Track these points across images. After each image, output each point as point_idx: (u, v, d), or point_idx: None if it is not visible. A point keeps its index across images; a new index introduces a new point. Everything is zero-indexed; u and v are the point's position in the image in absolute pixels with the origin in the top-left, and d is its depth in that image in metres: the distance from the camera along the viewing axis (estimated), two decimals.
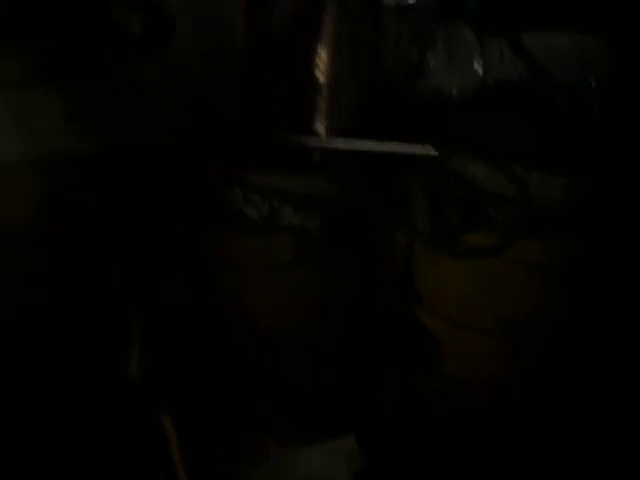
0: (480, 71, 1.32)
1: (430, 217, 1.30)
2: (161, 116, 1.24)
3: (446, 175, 1.30)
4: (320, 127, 1.34)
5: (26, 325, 1.09)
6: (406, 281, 1.37)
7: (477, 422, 1.37)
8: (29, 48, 1.09)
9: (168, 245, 1.28)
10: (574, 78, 1.34)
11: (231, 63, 1.33)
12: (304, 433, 1.17)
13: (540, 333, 1.37)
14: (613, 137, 1.37)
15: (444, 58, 1.33)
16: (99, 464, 1.08)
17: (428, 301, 1.36)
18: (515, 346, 1.36)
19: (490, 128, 1.32)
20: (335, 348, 1.33)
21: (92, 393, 1.07)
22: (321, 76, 1.32)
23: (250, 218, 1.28)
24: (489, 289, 1.32)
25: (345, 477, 1.03)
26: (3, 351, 1.07)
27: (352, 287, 1.36)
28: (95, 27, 1.13)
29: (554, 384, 1.43)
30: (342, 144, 1.32)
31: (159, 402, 1.12)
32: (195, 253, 1.32)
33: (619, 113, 1.37)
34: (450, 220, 1.30)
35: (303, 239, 1.29)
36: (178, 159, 1.28)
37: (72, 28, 1.10)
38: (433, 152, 1.27)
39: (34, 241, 1.11)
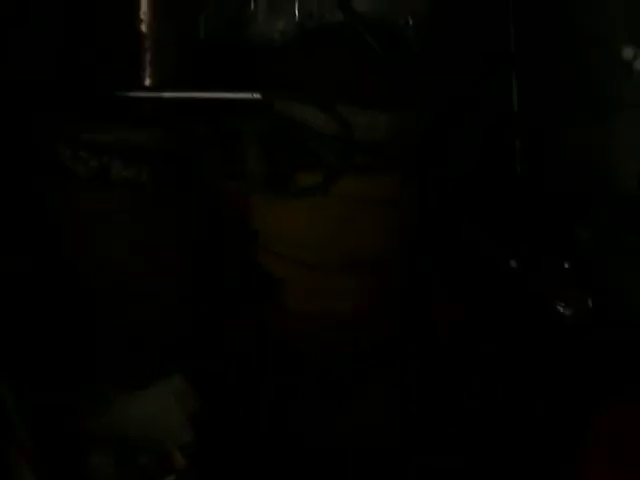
0: (299, 16, 1.34)
1: (261, 161, 1.32)
2: None
3: (275, 119, 1.32)
4: (146, 79, 1.33)
5: None
6: (246, 225, 1.37)
7: (333, 359, 1.40)
8: None
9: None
10: (393, 18, 1.38)
11: (54, 19, 1.31)
12: (147, 380, 1.18)
13: (387, 267, 1.42)
14: (434, 73, 1.42)
15: (265, 3, 1.34)
16: None
17: (270, 243, 1.38)
18: (364, 282, 1.40)
19: (314, 71, 1.35)
20: (179, 293, 1.34)
21: None
22: (143, 28, 1.32)
23: (81, 175, 1.27)
24: (329, 227, 1.36)
25: (177, 416, 1.05)
26: None
27: (192, 235, 1.36)
28: None
29: (409, 317, 1.48)
30: (169, 94, 1.32)
31: None
32: (31, 213, 1.30)
33: (438, 50, 1.42)
34: (281, 163, 1.33)
35: (137, 190, 1.29)
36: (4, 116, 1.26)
37: None
38: (259, 97, 1.29)
39: None
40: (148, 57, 1.31)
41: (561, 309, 1.55)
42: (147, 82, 1.32)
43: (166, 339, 1.27)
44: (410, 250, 1.47)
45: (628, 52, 1.50)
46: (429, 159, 1.49)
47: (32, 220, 1.26)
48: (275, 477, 1.24)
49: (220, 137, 1.34)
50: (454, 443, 1.35)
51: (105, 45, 1.31)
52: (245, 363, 1.33)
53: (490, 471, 1.32)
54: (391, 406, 1.40)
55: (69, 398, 1.09)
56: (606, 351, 1.45)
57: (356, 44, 1.34)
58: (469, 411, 1.40)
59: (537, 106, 1.60)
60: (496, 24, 1.55)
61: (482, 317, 1.51)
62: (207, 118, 1.33)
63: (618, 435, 1.23)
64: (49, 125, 1.28)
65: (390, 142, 1.36)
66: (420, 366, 1.44)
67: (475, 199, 1.59)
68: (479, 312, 1.52)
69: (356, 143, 1.30)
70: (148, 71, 1.32)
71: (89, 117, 1.28)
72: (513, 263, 1.58)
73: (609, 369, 1.41)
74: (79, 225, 1.29)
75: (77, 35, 1.32)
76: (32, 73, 1.25)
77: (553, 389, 1.42)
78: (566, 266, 1.59)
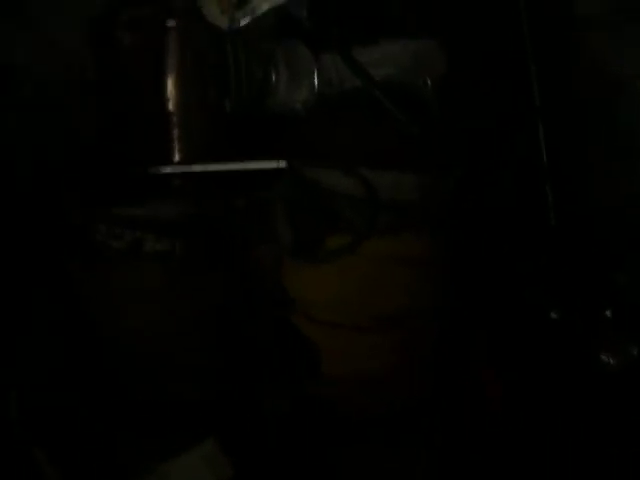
0: (319, 85, 1.38)
1: (290, 228, 1.35)
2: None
3: (301, 185, 1.35)
4: (175, 154, 1.38)
5: None
6: (278, 291, 1.39)
7: (367, 421, 1.39)
8: None
9: (35, 290, 1.31)
10: (411, 80, 1.41)
11: (82, 100, 1.38)
12: (180, 450, 1.19)
13: (422, 326, 1.42)
14: (457, 133, 1.44)
15: (286, 75, 1.38)
16: None
17: (302, 307, 1.39)
18: (396, 341, 1.39)
19: (336, 136, 1.38)
20: (214, 365, 1.35)
21: None
22: (170, 107, 1.37)
23: (115, 250, 1.31)
24: (359, 288, 1.37)
25: None
26: None
27: (226, 304, 1.38)
28: None
29: (447, 376, 1.47)
30: (198, 168, 1.36)
31: (33, 439, 1.14)
32: (64, 293, 1.35)
33: (459, 109, 1.44)
34: (309, 228, 1.35)
35: (170, 263, 1.33)
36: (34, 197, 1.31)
37: None
38: (285, 165, 1.32)
39: None
40: (176, 134, 1.36)
41: (606, 359, 1.51)
42: (176, 158, 1.36)
43: (202, 408, 1.28)
44: (444, 309, 1.46)
45: None
46: (459, 217, 1.48)
47: (64, 299, 1.29)
48: None
49: (249, 206, 1.36)
50: None
51: (134, 125, 1.36)
52: (281, 428, 1.33)
53: None
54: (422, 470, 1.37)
55: (104, 468, 1.10)
56: None
57: (376, 108, 1.37)
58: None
59: (566, 156, 1.59)
60: (519, 78, 1.55)
61: (523, 375, 1.49)
62: (236, 188, 1.36)
63: None
64: (82, 203, 1.32)
65: (416, 202, 1.37)
66: (455, 430, 1.42)
67: (510, 254, 1.59)
68: (519, 369, 1.50)
69: (381, 204, 1.31)
70: (177, 147, 1.36)
71: (121, 194, 1.32)
72: (554, 314, 1.55)
73: None
74: (112, 301, 1.32)
75: (107, 116, 1.37)
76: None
77: (604, 442, 1.39)
78: (608, 314, 1.55)
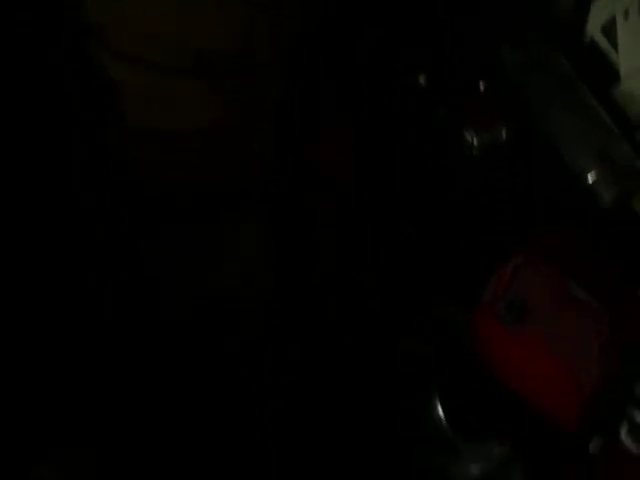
0: None
1: None
2: None
3: None
4: None
5: None
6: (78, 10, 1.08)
7: (188, 186, 1.17)
8: None
9: None
10: None
11: None
12: None
13: (261, 76, 1.16)
14: None
15: None
16: None
17: (107, 34, 1.09)
18: (220, 91, 1.14)
19: None
20: None
21: None
22: None
23: None
24: (177, 12, 1.08)
25: None
26: None
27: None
28: None
29: (286, 137, 1.24)
30: None
31: None
32: None
33: None
34: None
35: None
36: None
37: None
38: None
39: None
40: None
41: (469, 138, 1.33)
42: None
43: None
44: (292, 55, 1.20)
45: None
46: None
47: None
48: None
49: None
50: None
51: None
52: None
53: None
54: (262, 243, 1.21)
55: None
56: (513, 192, 1.27)
57: None
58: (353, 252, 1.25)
59: None
60: None
61: (376, 141, 1.32)
62: None
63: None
64: None
65: None
66: (296, 201, 1.25)
67: None
68: (372, 135, 1.32)
69: None
70: None
71: None
72: (422, 79, 1.35)
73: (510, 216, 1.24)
74: None
75: None
76: None
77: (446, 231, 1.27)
78: (482, 87, 1.35)
